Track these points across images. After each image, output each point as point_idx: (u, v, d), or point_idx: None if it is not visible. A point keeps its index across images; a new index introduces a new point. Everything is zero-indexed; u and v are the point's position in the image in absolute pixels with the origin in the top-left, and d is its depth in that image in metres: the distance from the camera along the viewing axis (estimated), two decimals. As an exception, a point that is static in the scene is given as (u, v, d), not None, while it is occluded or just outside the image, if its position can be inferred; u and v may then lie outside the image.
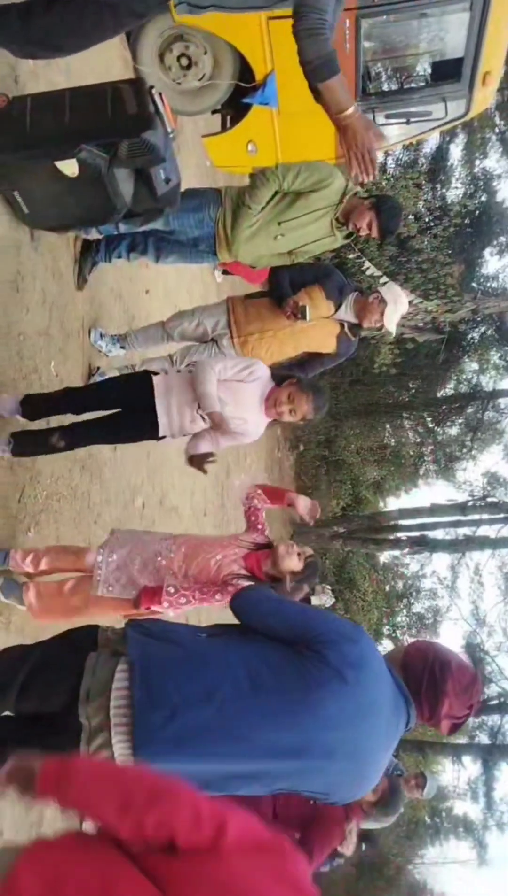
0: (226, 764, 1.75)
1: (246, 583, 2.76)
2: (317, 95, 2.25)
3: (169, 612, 2.64)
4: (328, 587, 17.60)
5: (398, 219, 3.84)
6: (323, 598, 16.62)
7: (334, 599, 18.11)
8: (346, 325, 4.04)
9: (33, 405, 3.02)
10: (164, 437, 3.11)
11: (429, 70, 6.75)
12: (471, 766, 17.41)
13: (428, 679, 1.90)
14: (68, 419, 3.18)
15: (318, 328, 4.02)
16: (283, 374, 3.22)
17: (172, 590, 2.56)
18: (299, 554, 2.73)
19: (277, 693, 1.74)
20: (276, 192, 3.65)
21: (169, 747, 1.69)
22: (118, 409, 3.09)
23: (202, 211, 3.69)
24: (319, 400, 3.10)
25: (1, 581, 2.82)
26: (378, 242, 4.04)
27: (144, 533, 3.03)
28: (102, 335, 4.13)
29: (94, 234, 3.77)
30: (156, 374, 3.14)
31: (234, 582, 2.73)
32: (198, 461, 3.06)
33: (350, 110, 2.21)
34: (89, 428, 3.12)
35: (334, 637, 1.80)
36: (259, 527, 2.99)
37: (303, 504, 3.09)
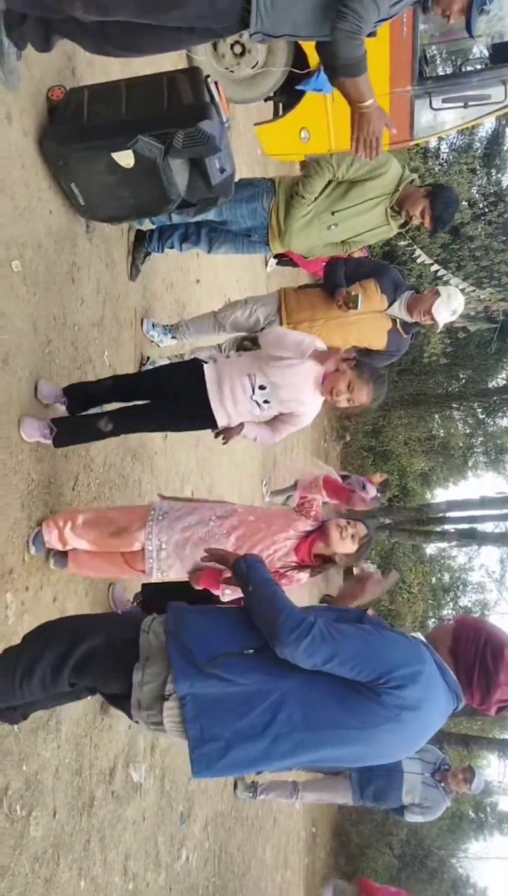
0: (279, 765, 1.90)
1: (299, 574, 2.74)
2: (340, 85, 2.42)
3: (226, 594, 2.66)
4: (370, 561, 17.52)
5: (453, 210, 3.74)
6: (368, 567, 16.53)
7: (375, 567, 18.01)
8: (398, 322, 3.97)
9: (79, 394, 2.96)
10: (222, 425, 3.08)
11: (489, 52, 6.56)
12: (517, 763, 17.13)
13: (480, 667, 1.86)
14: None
15: (369, 322, 3.96)
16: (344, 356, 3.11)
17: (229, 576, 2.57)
18: (353, 535, 2.69)
19: (331, 728, 1.79)
20: (330, 181, 3.60)
21: (224, 772, 1.85)
22: (167, 397, 3.04)
23: (256, 201, 3.67)
24: (379, 389, 2.99)
25: (32, 546, 2.73)
26: (430, 232, 3.93)
27: (192, 509, 2.88)
28: (154, 325, 4.15)
29: (147, 225, 3.78)
30: (205, 362, 3.08)
31: (286, 573, 2.73)
32: (228, 434, 3.07)
33: (370, 101, 2.42)
34: (138, 413, 3.05)
35: (393, 681, 1.75)
36: (313, 513, 2.90)
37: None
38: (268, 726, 1.78)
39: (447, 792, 5.66)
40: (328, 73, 2.42)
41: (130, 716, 1.92)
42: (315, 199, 3.61)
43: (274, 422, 3.18)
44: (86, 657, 1.93)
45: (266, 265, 8.27)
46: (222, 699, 1.79)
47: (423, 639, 1.92)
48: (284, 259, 7.16)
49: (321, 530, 2.77)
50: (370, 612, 1.93)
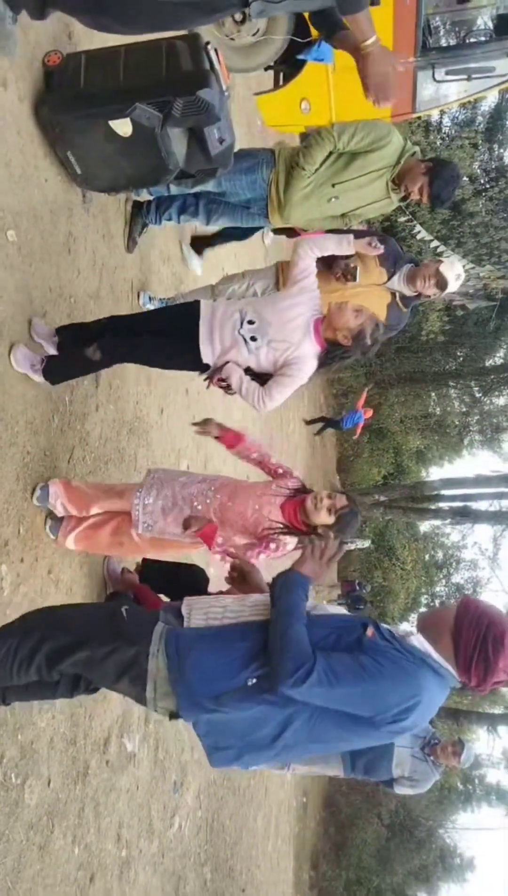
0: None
1: (286, 538, 2.75)
2: (332, 31, 2.36)
3: (216, 559, 2.68)
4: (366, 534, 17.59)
5: (452, 187, 3.64)
6: (358, 542, 16.64)
7: (369, 541, 18.11)
8: (398, 295, 3.94)
9: (72, 333, 2.92)
10: (207, 365, 2.99)
11: (493, 23, 6.44)
12: (506, 736, 17.42)
13: (480, 654, 1.88)
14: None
15: (367, 295, 3.92)
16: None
17: (220, 540, 2.61)
18: (329, 508, 2.67)
19: (335, 740, 1.97)
20: (331, 153, 3.54)
21: (238, 766, 2.04)
22: (162, 334, 3.00)
23: (255, 172, 3.61)
24: (376, 325, 2.98)
25: (38, 493, 2.77)
26: (431, 208, 3.88)
27: (180, 474, 2.99)
28: (150, 298, 4.11)
29: (145, 196, 3.73)
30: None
31: (273, 537, 2.74)
32: (212, 374, 2.98)
33: (372, 39, 2.32)
34: (128, 344, 2.98)
35: (390, 717, 1.85)
36: (281, 471, 2.92)
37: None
38: (276, 739, 1.92)
39: (436, 766, 5.74)
40: (326, 21, 2.34)
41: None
42: (316, 170, 3.55)
43: (268, 383, 2.98)
44: (90, 662, 1.96)
45: (266, 243, 8.18)
46: (230, 722, 1.93)
47: (422, 641, 1.91)
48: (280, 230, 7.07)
49: (306, 492, 2.78)
50: (369, 632, 1.90)
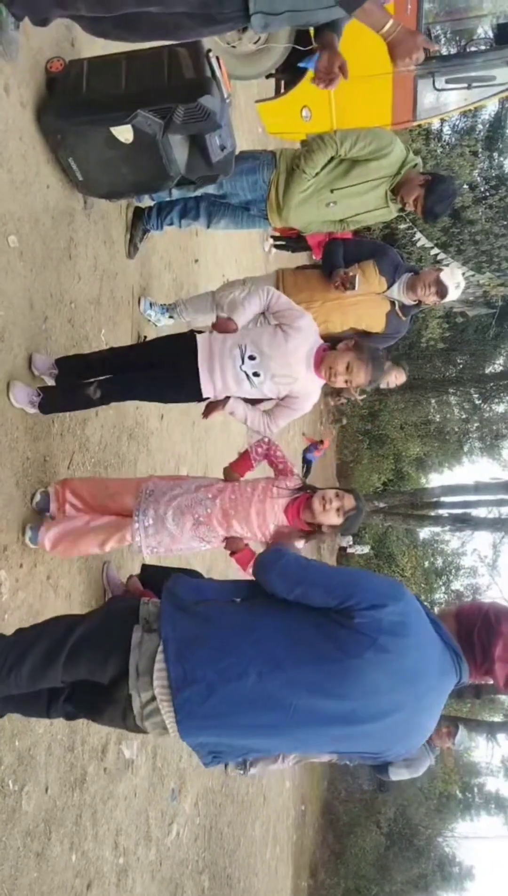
0: (272, 736, 1.79)
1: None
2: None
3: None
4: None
5: (446, 203, 3.66)
6: (358, 549, 16.61)
7: (369, 546, 18.10)
8: (397, 304, 3.94)
9: (70, 365, 2.92)
10: (207, 398, 3.01)
11: (493, 32, 6.48)
12: (506, 744, 17.37)
13: (482, 623, 1.87)
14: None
15: (367, 304, 3.93)
16: (342, 336, 3.07)
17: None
18: (338, 509, 2.67)
19: (314, 664, 1.73)
20: (332, 158, 3.55)
21: (211, 721, 1.74)
22: (161, 367, 2.99)
23: (256, 173, 3.62)
24: (377, 371, 2.94)
25: (38, 497, 2.76)
26: (424, 222, 3.88)
27: (174, 486, 2.86)
28: (151, 304, 4.12)
29: (146, 202, 3.74)
30: (200, 332, 3.03)
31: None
32: (210, 408, 3.02)
33: (389, 25, 2.27)
34: (127, 382, 2.99)
35: (368, 603, 1.74)
36: (281, 467, 2.89)
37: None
38: (249, 665, 1.74)
39: (431, 748, 5.67)
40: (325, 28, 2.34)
41: (119, 722, 1.89)
42: (316, 174, 3.56)
43: (274, 409, 3.06)
44: (81, 640, 1.90)
45: (267, 249, 8.22)
46: (203, 640, 1.77)
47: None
48: (281, 242, 7.10)
49: (306, 500, 2.76)
50: None
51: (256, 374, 2.90)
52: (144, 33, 2.49)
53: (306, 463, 12.38)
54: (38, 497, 2.76)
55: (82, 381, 2.93)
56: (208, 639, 1.78)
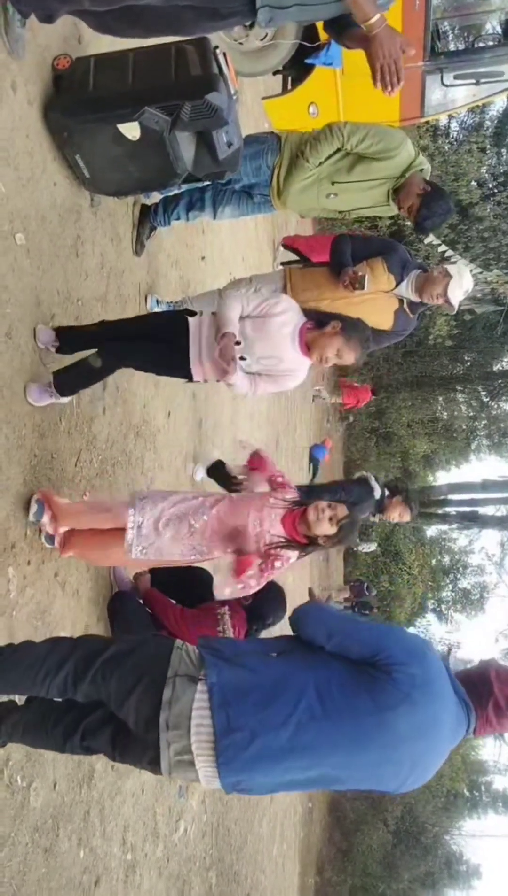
0: (303, 774, 1.90)
1: (288, 552, 2.75)
2: (342, 31, 2.30)
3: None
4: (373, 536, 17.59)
5: (437, 220, 3.64)
6: (364, 547, 16.62)
7: (376, 544, 18.11)
8: (405, 301, 3.93)
9: (69, 336, 2.93)
10: (197, 380, 3.01)
11: (501, 28, 6.45)
12: (513, 743, 17.31)
13: (480, 684, 2.04)
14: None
15: (375, 302, 3.92)
16: (323, 316, 3.01)
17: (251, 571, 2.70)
18: (331, 518, 2.67)
19: (349, 716, 1.86)
20: (337, 150, 3.52)
21: (250, 764, 1.85)
22: (157, 341, 2.99)
23: (260, 158, 3.62)
24: (365, 348, 2.96)
25: (35, 507, 2.74)
26: (414, 231, 3.87)
27: (170, 493, 2.91)
28: (158, 302, 4.12)
29: (154, 199, 3.74)
30: (193, 314, 3.03)
31: (276, 552, 2.73)
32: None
33: (376, 18, 2.22)
34: (126, 350, 2.98)
35: (403, 658, 1.88)
36: (279, 480, 2.93)
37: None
38: (290, 715, 1.85)
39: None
40: (335, 23, 2.32)
41: (142, 763, 2.00)
42: (319, 164, 3.54)
43: (259, 376, 3.02)
44: (115, 658, 1.98)
45: (274, 258, 8.20)
46: (247, 690, 1.87)
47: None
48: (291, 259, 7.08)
49: (302, 514, 2.76)
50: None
51: (242, 358, 2.91)
52: (148, 28, 2.47)
53: (314, 461, 12.45)
54: (33, 507, 2.70)
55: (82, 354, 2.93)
56: (250, 689, 1.88)
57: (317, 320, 2.97)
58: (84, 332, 3.01)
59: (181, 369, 2.97)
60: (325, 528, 2.64)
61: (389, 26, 2.25)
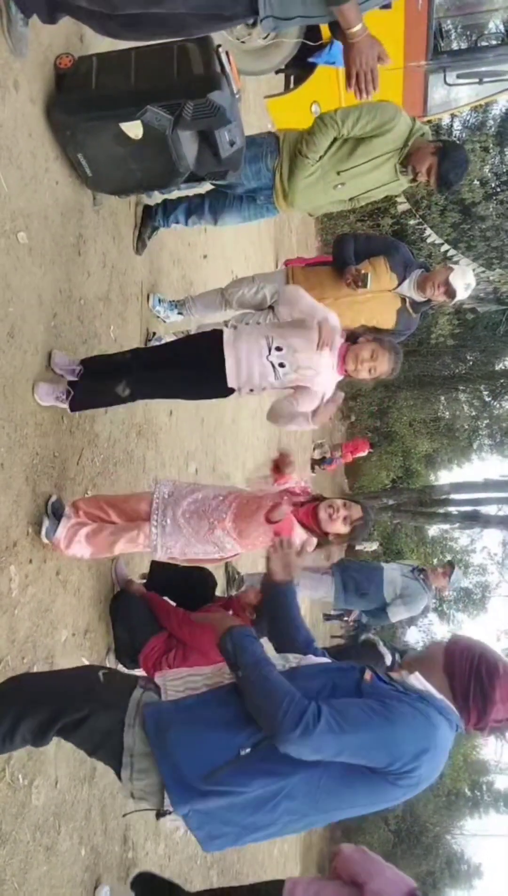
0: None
1: (306, 536, 2.74)
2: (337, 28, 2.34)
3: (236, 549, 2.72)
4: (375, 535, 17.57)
5: (461, 171, 3.56)
6: (366, 545, 16.57)
7: (378, 543, 18.09)
8: (408, 300, 3.92)
9: (98, 365, 2.95)
10: (232, 390, 3.01)
11: (504, 27, 6.44)
12: (514, 743, 17.31)
13: (476, 685, 1.81)
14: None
15: (378, 301, 3.92)
16: (358, 331, 3.09)
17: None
18: (345, 518, 2.67)
19: (342, 809, 1.78)
20: (335, 139, 3.48)
21: (235, 845, 1.82)
22: (188, 366, 3.02)
23: (260, 161, 3.58)
24: (398, 359, 3.02)
25: (54, 498, 2.77)
26: (438, 192, 3.79)
27: (189, 489, 2.93)
28: (160, 300, 4.12)
29: (156, 198, 3.73)
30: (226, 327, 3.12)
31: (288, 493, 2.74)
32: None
33: (358, 28, 2.32)
34: (155, 380, 3.02)
35: (408, 765, 1.68)
36: (299, 491, 2.91)
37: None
38: (278, 818, 1.75)
39: (427, 586, 5.68)
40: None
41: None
42: (320, 158, 3.50)
43: (296, 394, 3.05)
44: (67, 727, 1.83)
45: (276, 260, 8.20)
46: (226, 808, 1.73)
47: (420, 680, 1.82)
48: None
49: (313, 510, 2.76)
50: (367, 675, 1.79)
51: (281, 365, 2.95)
52: (150, 32, 2.50)
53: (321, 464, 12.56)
54: (46, 524, 2.71)
55: (109, 379, 2.95)
56: (230, 809, 1.73)
57: (351, 339, 3.06)
58: (113, 361, 3.03)
59: (216, 383, 2.97)
60: (338, 528, 2.66)
61: (370, 36, 2.35)
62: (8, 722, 1.84)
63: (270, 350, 2.93)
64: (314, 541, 2.76)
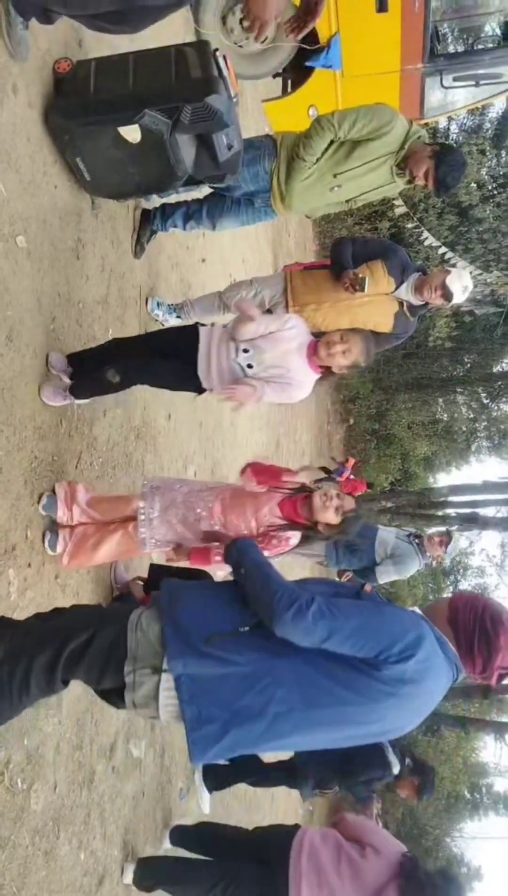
0: (278, 750, 1.88)
1: (288, 533, 2.74)
2: None
3: (218, 570, 2.68)
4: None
5: (458, 173, 3.57)
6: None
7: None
8: (405, 304, 3.92)
9: (81, 360, 2.99)
10: (205, 390, 3.06)
11: (501, 30, 6.46)
12: (513, 745, 17.30)
13: (480, 632, 1.85)
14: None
15: (376, 304, 3.92)
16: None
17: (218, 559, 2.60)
18: (337, 508, 2.65)
19: (331, 707, 1.77)
20: (332, 142, 3.49)
21: (223, 753, 1.80)
22: (171, 357, 3.06)
23: (257, 164, 3.59)
24: (370, 342, 3.01)
25: (45, 500, 2.77)
26: (435, 195, 3.78)
27: (177, 482, 3.01)
28: (159, 304, 4.12)
29: (154, 202, 3.74)
30: (204, 325, 3.13)
31: (273, 533, 2.74)
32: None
33: None
34: (145, 365, 3.04)
35: (394, 656, 1.73)
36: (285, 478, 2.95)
37: None
38: (266, 706, 1.75)
39: (421, 552, 5.53)
40: None
41: (120, 706, 1.89)
42: (317, 161, 3.51)
43: (267, 384, 3.06)
44: (74, 656, 1.86)
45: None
46: (218, 680, 1.76)
47: (421, 613, 1.91)
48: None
49: (307, 497, 2.76)
50: (367, 587, 1.91)
51: (249, 366, 2.98)
52: (135, 26, 2.55)
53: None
54: (44, 500, 2.76)
55: (97, 370, 2.96)
56: (221, 681, 1.76)
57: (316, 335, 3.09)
58: (95, 352, 3.07)
59: (194, 379, 3.02)
60: (330, 517, 2.63)
61: None
62: (21, 669, 1.86)
63: (236, 352, 2.97)
64: (299, 535, 2.76)
